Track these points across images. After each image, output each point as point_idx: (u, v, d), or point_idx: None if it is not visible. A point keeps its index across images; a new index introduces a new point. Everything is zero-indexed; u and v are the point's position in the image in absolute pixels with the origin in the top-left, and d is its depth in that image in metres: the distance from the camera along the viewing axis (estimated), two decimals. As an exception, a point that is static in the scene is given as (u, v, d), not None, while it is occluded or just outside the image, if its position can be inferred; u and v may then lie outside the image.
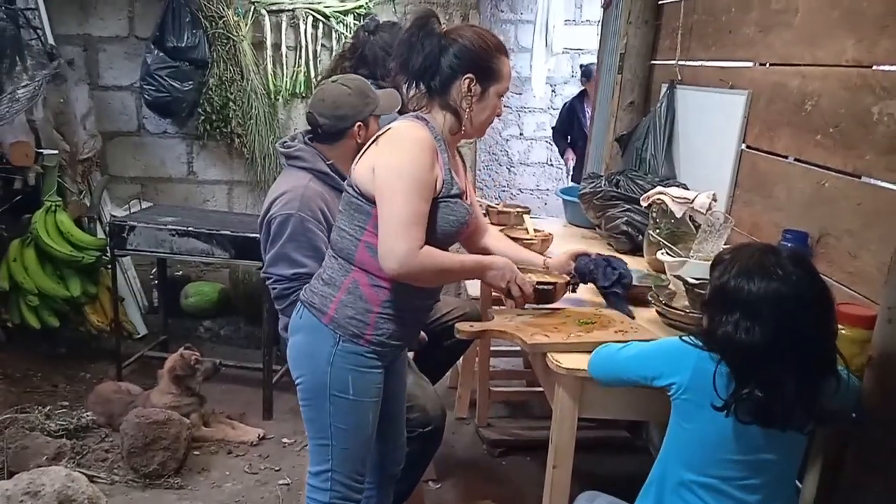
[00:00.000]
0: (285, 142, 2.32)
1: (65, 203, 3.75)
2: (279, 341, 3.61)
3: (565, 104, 5.77)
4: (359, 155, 1.74)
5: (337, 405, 1.76)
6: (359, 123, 2.22)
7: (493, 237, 2.08)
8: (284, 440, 3.15)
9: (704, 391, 1.39)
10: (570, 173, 5.73)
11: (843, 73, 1.89)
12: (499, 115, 1.77)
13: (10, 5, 3.60)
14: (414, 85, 1.76)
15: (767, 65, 2.34)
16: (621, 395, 1.64)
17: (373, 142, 1.72)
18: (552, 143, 6.86)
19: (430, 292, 1.81)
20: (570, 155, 5.63)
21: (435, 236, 1.67)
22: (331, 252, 1.80)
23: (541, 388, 3.28)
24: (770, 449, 1.41)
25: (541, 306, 1.93)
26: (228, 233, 3.32)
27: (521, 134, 6.92)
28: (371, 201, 1.65)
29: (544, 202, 6.89)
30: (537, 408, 3.42)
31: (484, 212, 2.71)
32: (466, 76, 1.68)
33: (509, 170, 6.93)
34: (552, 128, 5.88)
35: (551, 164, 6.98)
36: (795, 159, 2.10)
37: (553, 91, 6.78)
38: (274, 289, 2.19)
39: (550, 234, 2.56)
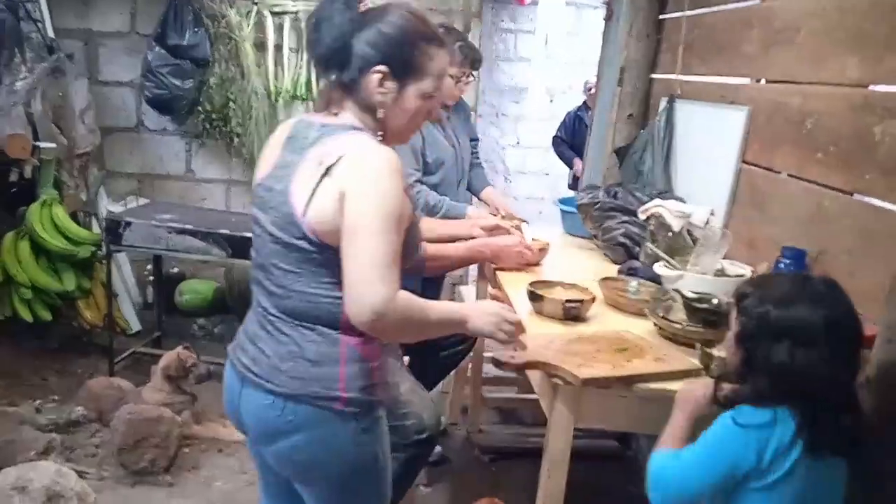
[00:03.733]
0: None
1: (61, 197, 3.73)
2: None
3: (570, 113, 5.74)
4: (306, 195, 1.35)
5: (369, 482, 1.54)
6: None
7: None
8: (275, 441, 3.14)
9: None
10: (576, 183, 5.63)
11: (844, 93, 1.91)
12: (432, 120, 1.54)
13: (13, -2, 3.60)
14: (323, 73, 1.45)
15: (768, 82, 2.36)
16: (620, 406, 1.64)
17: (324, 175, 1.33)
18: (548, 152, 6.90)
19: None
20: (579, 164, 5.53)
21: (405, 267, 1.42)
22: (302, 326, 1.43)
23: (533, 396, 3.31)
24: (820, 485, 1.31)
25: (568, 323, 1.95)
26: (226, 232, 3.32)
27: (517, 143, 6.95)
28: (337, 249, 1.34)
29: (539, 211, 6.91)
30: (529, 415, 3.43)
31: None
32: (377, 68, 1.38)
33: (505, 178, 6.95)
34: (555, 137, 5.81)
35: (547, 174, 7.00)
36: (795, 177, 2.12)
37: (551, 101, 6.81)
38: None
39: (547, 243, 2.58)
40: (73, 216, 3.79)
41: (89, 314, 3.80)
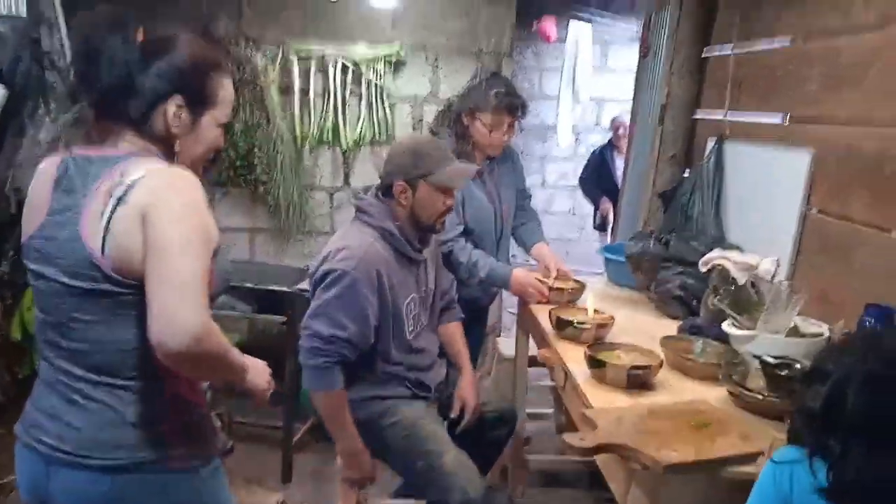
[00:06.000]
0: (359, 193, 2.24)
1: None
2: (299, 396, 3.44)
3: (594, 152, 5.64)
4: (100, 231, 1.22)
5: None
6: (400, 183, 2.11)
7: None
8: (305, 507, 2.97)
9: None
10: (603, 224, 5.49)
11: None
12: (218, 150, 1.44)
13: (37, 47, 3.53)
14: (99, 106, 1.33)
15: (835, 124, 2.20)
16: (704, 490, 1.46)
17: (117, 204, 1.22)
18: (574, 192, 6.75)
19: None
20: (607, 204, 5.39)
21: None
22: (116, 385, 1.28)
23: (576, 458, 3.11)
24: None
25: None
26: (250, 286, 3.18)
27: (543, 182, 6.82)
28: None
29: (566, 252, 6.74)
30: (571, 477, 3.22)
31: None
32: (173, 100, 1.31)
33: (531, 218, 6.81)
34: (581, 177, 5.72)
35: (574, 214, 6.86)
36: (875, 226, 1.94)
37: (577, 140, 6.68)
38: (305, 343, 2.07)
39: (611, 317, 2.25)
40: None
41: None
